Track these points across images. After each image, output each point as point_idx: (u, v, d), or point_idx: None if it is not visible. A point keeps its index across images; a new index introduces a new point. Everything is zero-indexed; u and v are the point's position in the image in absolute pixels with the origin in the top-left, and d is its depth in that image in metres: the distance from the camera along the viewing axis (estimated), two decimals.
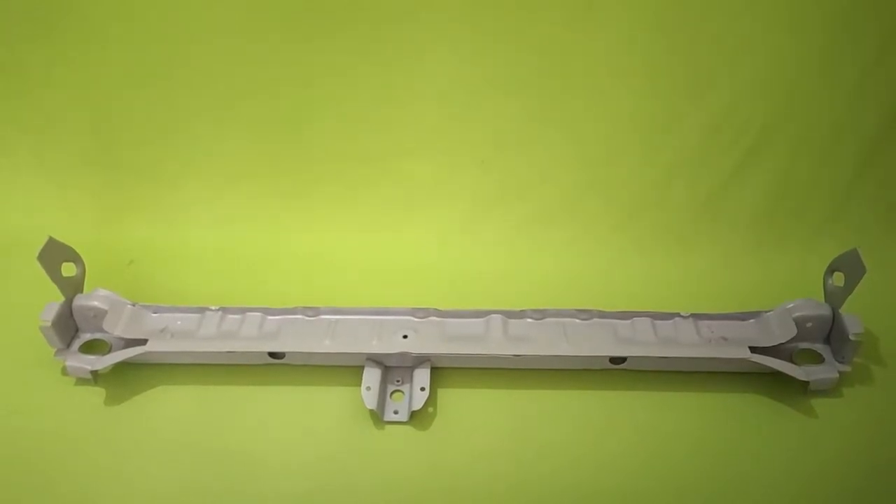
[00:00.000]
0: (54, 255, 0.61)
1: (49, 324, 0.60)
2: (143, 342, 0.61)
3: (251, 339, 0.63)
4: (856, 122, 0.72)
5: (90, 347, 0.65)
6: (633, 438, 0.59)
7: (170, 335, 0.63)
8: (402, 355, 0.61)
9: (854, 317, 0.61)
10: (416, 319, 0.64)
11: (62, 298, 0.62)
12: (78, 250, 0.66)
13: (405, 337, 0.62)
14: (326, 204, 0.77)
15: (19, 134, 0.77)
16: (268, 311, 0.65)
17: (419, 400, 0.59)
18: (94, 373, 0.60)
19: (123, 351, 0.61)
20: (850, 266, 0.61)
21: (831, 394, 0.62)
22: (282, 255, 0.76)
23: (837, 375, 0.61)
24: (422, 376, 0.61)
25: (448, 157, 0.75)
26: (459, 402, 0.62)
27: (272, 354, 0.62)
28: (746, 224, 0.75)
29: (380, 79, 0.72)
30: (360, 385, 0.61)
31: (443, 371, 0.63)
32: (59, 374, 0.63)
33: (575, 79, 0.72)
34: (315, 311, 0.65)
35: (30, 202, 0.78)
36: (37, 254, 0.59)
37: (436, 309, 0.65)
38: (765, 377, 0.62)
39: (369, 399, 0.59)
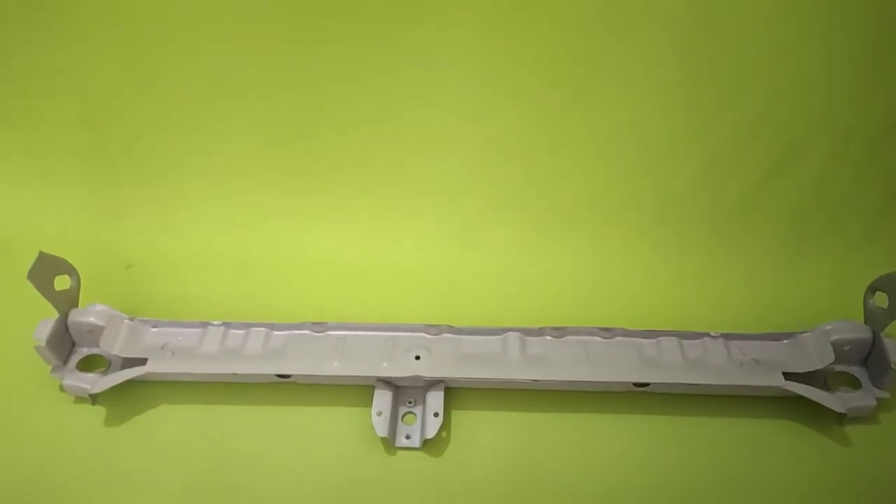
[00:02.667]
0: (46, 269, 0.58)
1: (43, 343, 0.57)
2: (143, 361, 0.59)
3: (256, 357, 0.60)
4: (893, 133, 0.67)
5: (88, 363, 0.62)
6: (655, 467, 0.57)
7: (171, 353, 0.60)
8: (415, 378, 0.58)
9: None
10: (428, 336, 0.61)
11: (56, 314, 0.59)
12: (71, 253, 0.63)
13: (417, 358, 0.59)
14: (331, 206, 0.73)
15: (4, 127, 0.73)
16: (273, 327, 0.61)
17: (433, 427, 0.56)
18: (93, 395, 0.58)
19: (121, 373, 0.58)
20: (893, 287, 0.57)
21: (867, 420, 0.59)
22: (285, 259, 0.72)
23: (875, 403, 0.57)
24: (435, 400, 0.58)
25: (460, 159, 0.70)
26: (474, 425, 0.59)
27: (279, 374, 0.59)
28: (776, 235, 0.70)
29: (388, 80, 0.67)
30: (369, 406, 0.58)
31: (457, 391, 0.60)
32: (56, 391, 0.61)
33: (601, 81, 0.66)
34: (322, 327, 0.61)
35: (18, 200, 0.74)
36: (27, 272, 0.56)
37: (449, 326, 0.61)
38: (797, 401, 0.58)
39: (380, 426, 0.56)
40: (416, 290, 0.69)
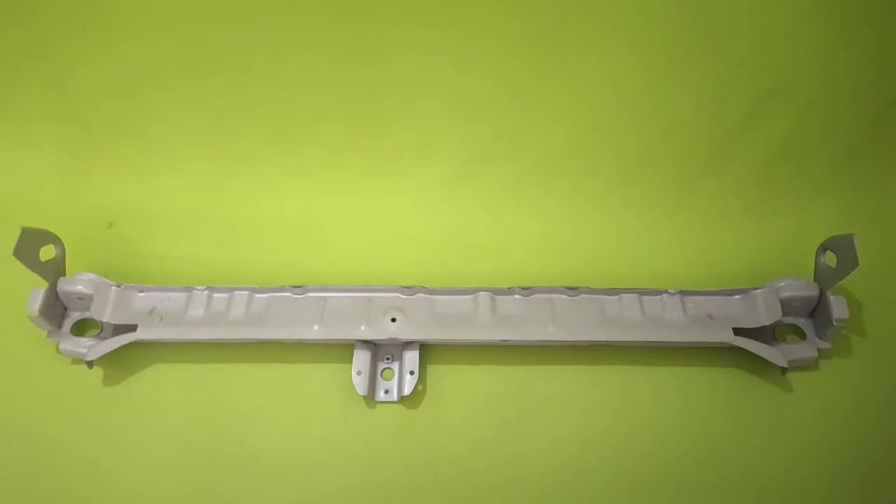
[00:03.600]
0: (30, 243, 0.60)
1: (36, 313, 0.60)
2: (133, 328, 0.62)
3: (240, 322, 0.63)
4: (859, 92, 0.67)
5: (82, 326, 0.65)
6: (615, 414, 0.62)
7: (158, 318, 0.63)
8: (392, 340, 0.62)
9: (841, 300, 0.61)
10: (403, 297, 0.64)
11: (45, 284, 0.62)
12: (50, 216, 0.65)
13: (394, 320, 0.62)
14: (305, 164, 0.73)
15: None
16: (255, 290, 0.64)
17: (409, 385, 0.61)
18: (90, 361, 0.61)
19: (114, 339, 0.61)
20: (844, 250, 0.60)
21: (809, 368, 0.64)
22: (262, 216, 0.73)
23: (816, 355, 0.62)
24: (411, 359, 0.62)
25: (433, 116, 0.70)
26: (448, 378, 0.63)
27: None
28: (739, 191, 0.72)
29: (362, 38, 0.66)
30: (350, 362, 0.63)
31: (432, 347, 0.64)
32: (53, 353, 0.64)
33: (575, 34, 0.66)
34: (302, 290, 0.64)
35: None
36: (13, 250, 0.57)
37: (423, 287, 0.64)
38: (746, 351, 0.63)
39: (360, 385, 0.61)
40: (391, 248, 0.72)
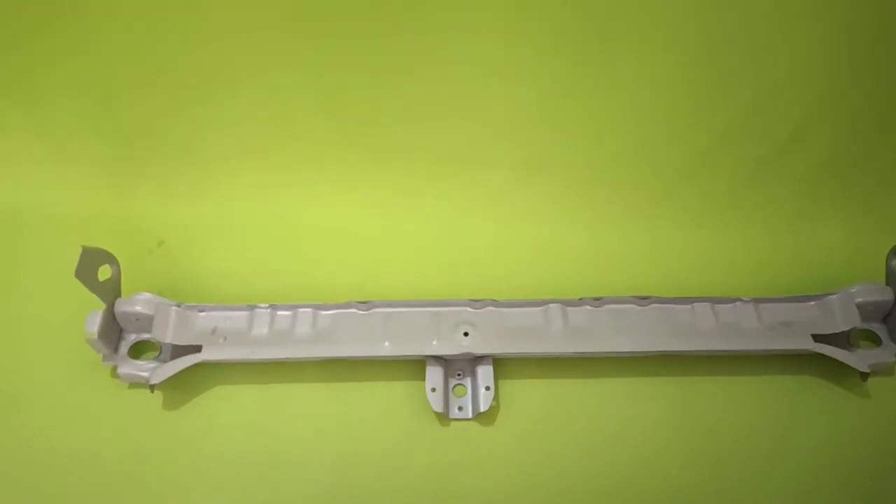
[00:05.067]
0: (89, 263, 0.57)
1: (95, 336, 0.58)
2: (196, 348, 0.60)
3: (306, 339, 0.61)
4: None
5: (138, 349, 0.63)
6: (692, 426, 0.60)
7: (222, 338, 0.60)
8: (465, 355, 0.60)
9: None
10: (472, 310, 0.62)
11: (102, 304, 0.59)
12: (95, 233, 0.63)
13: (466, 335, 0.61)
14: (350, 178, 0.72)
15: (15, 106, 0.69)
16: (319, 307, 0.62)
17: (485, 400, 0.59)
18: (150, 385, 0.59)
19: (179, 361, 0.59)
20: None
21: (885, 373, 0.63)
22: (313, 229, 0.72)
23: (894, 360, 0.62)
24: (485, 374, 0.60)
25: (481, 124, 0.69)
26: (521, 393, 0.62)
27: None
28: (793, 198, 0.72)
29: (408, 43, 0.65)
30: (419, 379, 0.61)
31: (502, 361, 0.62)
32: (108, 377, 0.62)
33: (620, 41, 0.65)
34: (368, 306, 0.62)
35: (32, 181, 0.72)
36: (74, 270, 0.55)
37: (492, 300, 0.63)
38: (820, 358, 0.62)
39: (436, 402, 0.59)
40: (444, 260, 0.70)
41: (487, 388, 0.59)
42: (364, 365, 0.62)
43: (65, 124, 0.70)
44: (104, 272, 0.60)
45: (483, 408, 0.59)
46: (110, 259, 0.60)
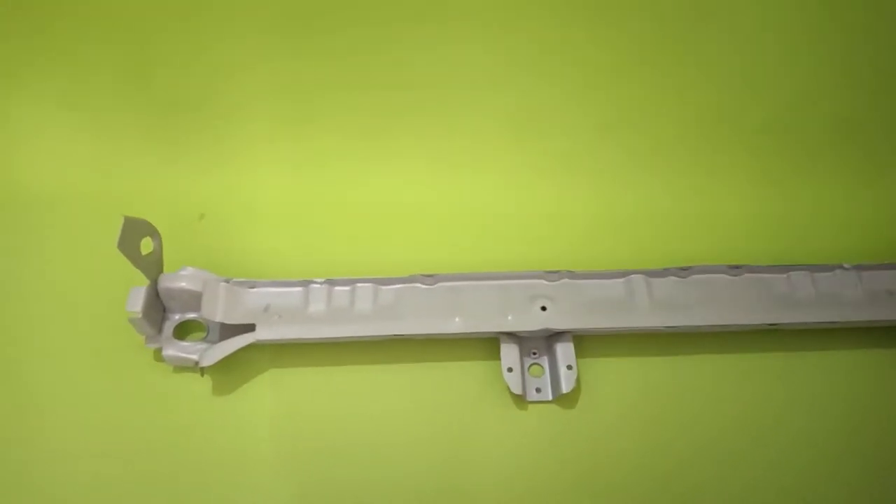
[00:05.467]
0: (132, 235, 0.52)
1: (140, 315, 0.53)
2: (247, 328, 0.54)
3: (368, 316, 0.55)
4: None
5: (184, 330, 0.57)
6: (789, 404, 0.55)
7: (277, 316, 0.55)
8: (543, 330, 0.55)
9: None
10: (547, 283, 0.57)
11: (143, 281, 0.54)
12: (133, 207, 0.57)
13: (544, 309, 0.56)
14: (409, 138, 0.66)
15: (45, 76, 0.64)
16: (380, 282, 0.57)
17: (568, 381, 0.53)
18: (200, 367, 0.54)
19: (232, 341, 0.53)
20: None
21: None
22: (363, 201, 0.66)
23: None
24: (566, 352, 0.55)
25: (551, 83, 0.64)
26: (603, 372, 0.56)
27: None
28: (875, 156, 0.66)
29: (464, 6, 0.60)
30: (489, 359, 0.56)
31: (580, 339, 0.57)
32: (151, 361, 0.57)
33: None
34: (434, 279, 0.57)
35: (69, 155, 0.66)
36: (117, 241, 0.50)
37: (569, 271, 0.57)
38: None
39: (514, 383, 0.53)
40: (514, 231, 0.65)
41: (569, 368, 0.54)
42: (430, 344, 0.57)
43: (102, 96, 0.65)
44: (146, 245, 0.54)
45: (565, 389, 0.54)
46: (152, 231, 0.55)
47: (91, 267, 0.61)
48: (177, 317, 0.57)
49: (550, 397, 0.55)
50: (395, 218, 0.66)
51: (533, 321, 0.55)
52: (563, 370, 0.54)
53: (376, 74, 0.65)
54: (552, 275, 0.57)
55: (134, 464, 0.52)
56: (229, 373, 0.56)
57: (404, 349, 0.57)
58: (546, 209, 0.66)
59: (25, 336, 0.58)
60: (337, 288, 0.57)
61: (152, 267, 0.54)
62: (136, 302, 0.53)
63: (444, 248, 0.64)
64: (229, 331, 0.55)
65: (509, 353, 0.55)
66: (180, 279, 0.55)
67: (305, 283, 0.57)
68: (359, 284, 0.57)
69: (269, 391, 0.55)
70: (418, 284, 0.57)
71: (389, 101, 0.66)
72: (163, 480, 0.52)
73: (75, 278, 0.61)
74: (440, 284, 0.57)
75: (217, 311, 0.54)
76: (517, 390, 0.53)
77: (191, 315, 0.57)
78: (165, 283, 0.55)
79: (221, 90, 0.65)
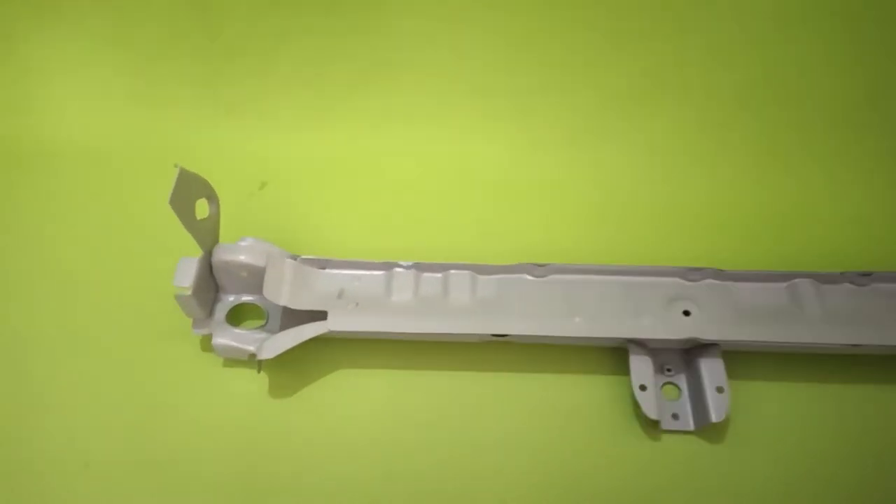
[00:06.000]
0: (186, 191, 0.42)
1: (189, 290, 0.43)
2: (318, 316, 0.44)
3: (465, 311, 0.45)
4: None
5: (238, 315, 0.48)
6: None
7: (353, 304, 0.45)
8: (687, 340, 0.44)
9: None
10: (687, 284, 0.46)
11: (198, 250, 0.44)
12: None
13: (687, 314, 0.44)
14: (503, 101, 0.56)
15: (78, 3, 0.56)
16: (479, 269, 0.47)
17: (718, 407, 0.42)
18: (258, 361, 0.44)
19: (300, 330, 0.43)
20: None
21: None
22: (458, 172, 0.56)
23: None
24: (714, 371, 0.43)
25: (677, 47, 0.54)
26: (757, 398, 0.44)
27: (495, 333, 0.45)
28: None
29: None
30: (611, 373, 0.45)
31: (727, 356, 0.45)
32: (196, 350, 0.47)
33: None
34: (544, 270, 0.46)
35: (102, 101, 0.58)
36: (169, 196, 0.40)
37: (714, 269, 0.46)
38: None
39: (648, 404, 0.42)
40: (642, 218, 0.53)
41: (720, 391, 0.43)
42: (538, 351, 0.46)
43: (153, 34, 0.56)
44: (202, 208, 0.45)
45: (715, 417, 0.42)
46: (210, 192, 0.45)
47: (131, 232, 0.52)
48: (231, 298, 0.47)
49: (692, 426, 0.43)
50: (498, 196, 0.55)
51: (675, 328, 0.43)
52: (709, 393, 0.42)
53: (466, 33, 0.56)
54: (693, 273, 0.46)
55: (167, 473, 0.42)
56: (291, 371, 0.45)
57: (506, 354, 0.46)
58: (681, 197, 0.54)
59: (47, 309, 0.49)
60: (426, 274, 0.46)
61: (207, 235, 0.45)
62: (187, 275, 0.43)
63: (553, 233, 0.52)
64: (293, 320, 0.45)
65: (642, 366, 0.43)
66: (240, 251, 0.45)
67: (388, 267, 0.46)
68: (453, 271, 0.46)
69: (338, 396, 0.45)
70: (525, 275, 0.46)
71: (483, 57, 0.56)
72: (202, 493, 0.42)
73: (111, 244, 0.52)
74: (553, 277, 0.46)
75: (282, 292, 0.44)
76: (653, 414, 0.42)
77: (248, 298, 0.47)
78: (222, 254, 0.45)
79: (295, 40, 0.56)
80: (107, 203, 0.54)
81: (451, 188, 0.55)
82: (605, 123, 0.55)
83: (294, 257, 0.46)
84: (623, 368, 0.45)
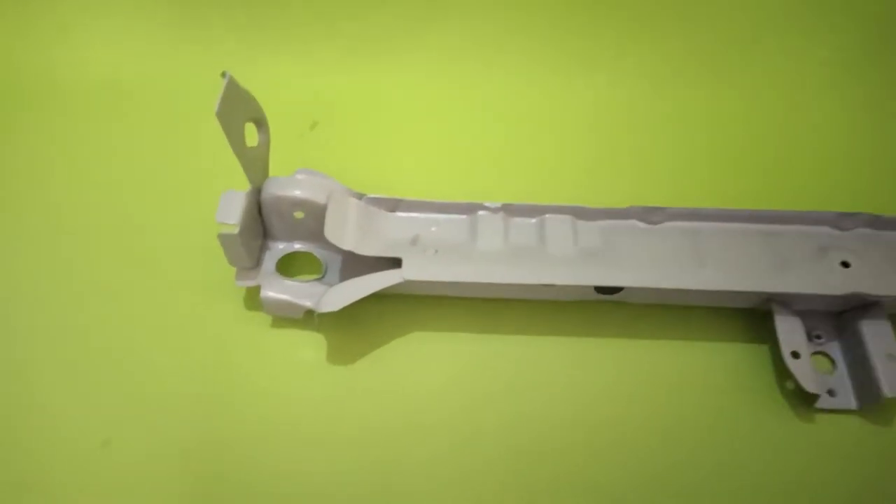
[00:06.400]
0: (234, 106, 0.35)
1: (235, 230, 0.35)
2: (390, 263, 0.37)
3: (566, 260, 0.37)
4: None
5: (290, 267, 0.40)
6: None
7: (433, 251, 0.37)
8: (849, 298, 0.35)
9: None
10: (838, 233, 0.38)
11: (244, 184, 0.37)
12: None
13: (845, 265, 0.36)
14: (578, 31, 0.48)
15: None
16: (580, 213, 0.39)
17: (893, 378, 0.34)
18: (316, 316, 0.36)
19: (366, 280, 0.35)
20: None
21: None
22: (530, 108, 0.48)
23: None
24: (881, 335, 0.35)
25: None
26: None
27: (601, 289, 0.37)
28: None
29: None
30: (746, 340, 0.37)
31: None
32: (240, 306, 0.39)
33: None
34: (659, 215, 0.38)
35: (158, 48, 0.50)
36: (216, 107, 0.32)
37: (871, 215, 0.38)
38: None
39: (805, 376, 0.34)
40: (762, 157, 0.44)
41: (892, 358, 0.34)
42: (654, 312, 0.37)
43: None
44: (251, 135, 0.37)
45: (889, 391, 0.33)
46: (260, 115, 0.37)
47: (169, 174, 0.44)
48: (281, 246, 0.39)
49: (854, 404, 0.35)
50: (593, 137, 0.46)
51: (833, 282, 0.35)
52: (878, 362, 0.34)
53: None
54: (845, 219, 0.38)
55: (204, 455, 0.35)
56: (353, 335, 0.37)
57: (614, 316, 0.38)
58: (819, 134, 0.45)
59: (68, 253, 0.41)
60: (518, 219, 0.39)
61: (256, 166, 0.37)
62: (231, 210, 0.35)
63: (662, 177, 0.44)
64: (355, 273, 0.37)
65: (791, 330, 0.35)
66: (295, 185, 0.37)
67: (472, 209, 0.38)
68: (549, 216, 0.38)
69: (409, 365, 0.37)
70: (636, 222, 0.39)
71: None
72: (248, 475, 0.34)
73: (147, 186, 0.44)
74: (670, 224, 0.38)
75: (345, 236, 0.36)
76: (811, 387, 0.34)
77: (301, 246, 0.39)
78: (274, 189, 0.37)
79: None
80: (144, 142, 0.46)
81: (534, 128, 0.46)
82: (720, 61, 0.47)
83: (359, 196, 0.39)
84: (760, 335, 0.37)
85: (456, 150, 0.46)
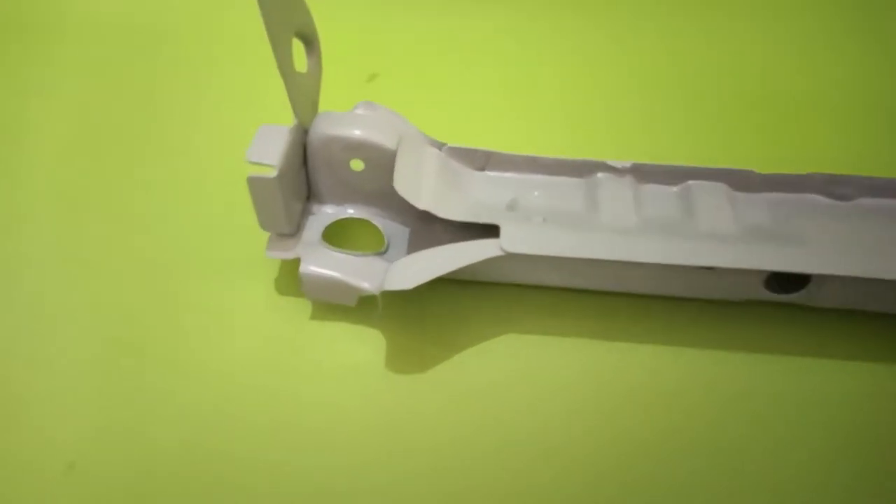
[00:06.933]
0: (280, 11, 0.26)
1: (275, 172, 0.26)
2: (477, 235, 0.27)
3: (726, 239, 0.27)
4: None
5: (339, 237, 0.30)
6: None
7: (539, 217, 0.27)
8: None
9: None
10: None
11: (288, 121, 0.27)
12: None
13: None
14: None
15: None
16: (739, 180, 0.28)
17: None
18: (379, 300, 0.26)
19: (452, 251, 0.25)
20: None
21: None
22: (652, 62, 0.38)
23: None
24: None
25: None
26: None
27: (776, 283, 0.26)
28: None
29: None
30: None
31: None
32: (270, 288, 0.29)
33: None
34: (841, 184, 0.28)
35: None
36: (263, 18, 0.23)
37: None
38: None
39: None
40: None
41: None
42: (845, 322, 0.27)
43: None
44: (300, 57, 0.28)
45: None
46: (311, 30, 0.27)
47: (197, 114, 0.35)
48: (330, 210, 0.29)
49: None
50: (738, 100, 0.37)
51: None
52: None
53: None
54: None
55: (228, 470, 0.24)
56: (422, 335, 0.27)
57: (794, 325, 0.27)
58: None
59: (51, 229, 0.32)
60: (651, 185, 0.29)
61: (304, 96, 0.27)
62: (270, 149, 0.26)
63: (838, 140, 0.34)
64: (430, 238, 0.28)
65: None
66: (355, 122, 0.27)
67: (589, 169, 0.28)
68: (695, 182, 0.28)
69: (499, 377, 0.26)
70: (814, 195, 0.28)
71: None
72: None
73: (159, 127, 0.35)
74: (861, 201, 0.28)
75: (421, 192, 0.26)
76: None
77: (355, 211, 0.29)
78: (326, 126, 0.27)
79: None
80: (174, 89, 0.37)
81: (616, 83, 0.37)
82: None
83: (439, 145, 0.29)
84: None
85: (534, 108, 0.37)
